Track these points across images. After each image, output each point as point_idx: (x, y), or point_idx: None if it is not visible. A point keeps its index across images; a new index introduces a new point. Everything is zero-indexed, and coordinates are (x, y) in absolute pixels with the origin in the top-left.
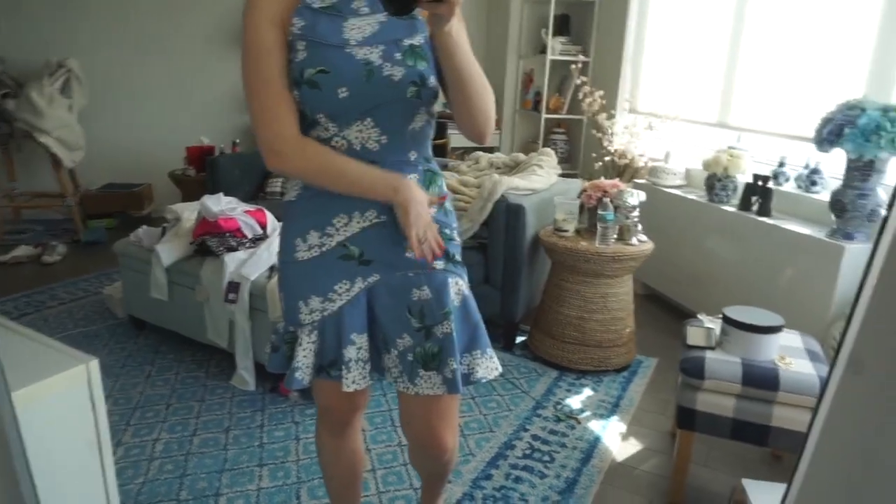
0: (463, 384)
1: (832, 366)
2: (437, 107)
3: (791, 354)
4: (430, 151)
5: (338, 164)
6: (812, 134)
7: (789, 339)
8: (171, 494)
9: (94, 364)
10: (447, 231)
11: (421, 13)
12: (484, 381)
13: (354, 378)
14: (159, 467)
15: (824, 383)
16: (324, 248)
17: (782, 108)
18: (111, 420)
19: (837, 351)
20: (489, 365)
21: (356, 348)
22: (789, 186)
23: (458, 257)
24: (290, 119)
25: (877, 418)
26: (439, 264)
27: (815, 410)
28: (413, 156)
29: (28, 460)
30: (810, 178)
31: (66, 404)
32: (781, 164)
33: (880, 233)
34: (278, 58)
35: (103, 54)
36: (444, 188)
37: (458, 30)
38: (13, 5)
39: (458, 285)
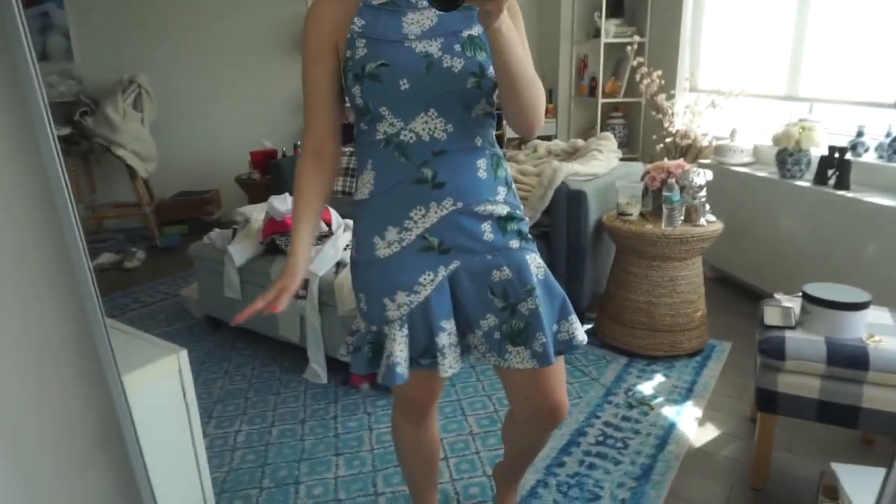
0: (567, 350)
1: None
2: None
3: (881, 332)
4: (493, 137)
5: (295, 201)
6: (893, 99)
7: (878, 317)
8: (255, 482)
9: (184, 354)
10: (518, 212)
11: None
12: (584, 344)
13: (450, 363)
14: (242, 457)
15: None
16: (404, 243)
17: (858, 73)
18: None
19: None
20: (583, 328)
21: (447, 334)
22: (869, 157)
23: (529, 235)
24: (316, 132)
25: None
26: (515, 244)
27: None
28: (479, 141)
29: (140, 442)
30: (893, 147)
31: (160, 391)
32: (860, 134)
33: None
34: (323, 68)
35: (169, 68)
36: (509, 171)
37: (508, 27)
38: (87, 30)
39: (536, 260)
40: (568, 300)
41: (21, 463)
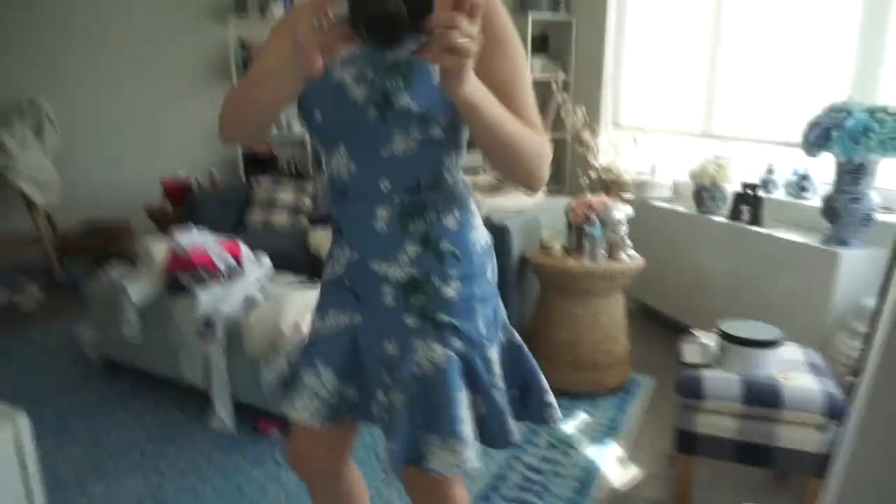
0: (412, 463)
1: (855, 391)
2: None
3: (792, 368)
4: (419, 181)
5: (247, 81)
6: (799, 139)
7: (789, 353)
8: None
9: (24, 421)
10: (436, 283)
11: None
12: (436, 474)
13: (304, 405)
14: None
15: (844, 405)
16: (336, 275)
17: (767, 113)
18: (80, 468)
19: (857, 372)
20: (449, 459)
21: (317, 379)
22: (779, 194)
23: (452, 320)
24: None
25: None
26: (410, 322)
27: (839, 433)
28: (386, 186)
29: None
30: (800, 185)
31: None
32: (770, 171)
33: None
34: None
35: (75, 92)
36: (439, 229)
37: (475, 88)
38: None
39: (433, 353)
40: (454, 418)
41: None
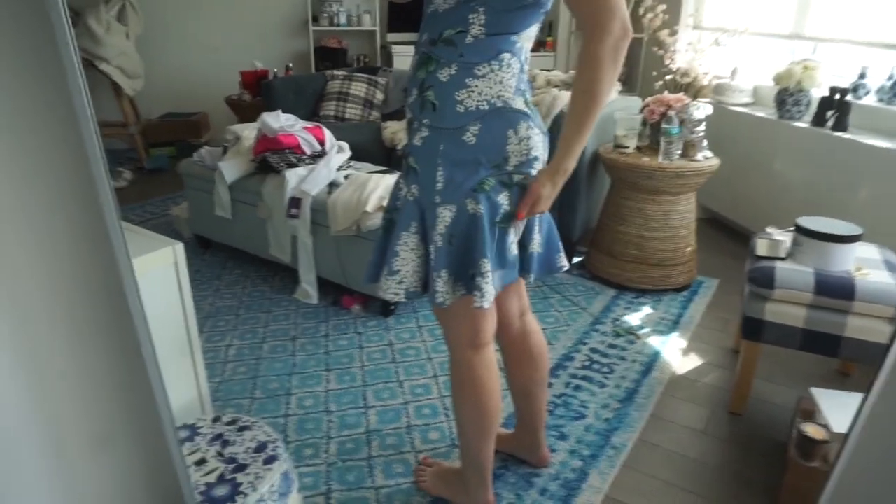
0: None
1: None
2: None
3: (868, 266)
4: (441, 35)
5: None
6: None
7: (866, 251)
8: (246, 393)
9: (180, 247)
10: (415, 127)
11: None
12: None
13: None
14: (233, 369)
15: None
16: None
17: (866, 12)
18: None
19: None
20: (386, 286)
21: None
22: (869, 99)
23: (416, 165)
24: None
25: None
26: (408, 163)
27: None
28: (423, 38)
29: (149, 329)
30: (894, 90)
31: (157, 282)
32: (862, 76)
33: None
34: None
35: None
36: (431, 79)
37: (563, 169)
38: None
39: (406, 191)
40: (391, 258)
41: (31, 337)
